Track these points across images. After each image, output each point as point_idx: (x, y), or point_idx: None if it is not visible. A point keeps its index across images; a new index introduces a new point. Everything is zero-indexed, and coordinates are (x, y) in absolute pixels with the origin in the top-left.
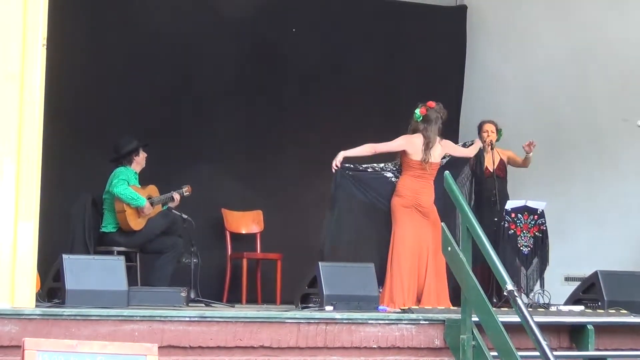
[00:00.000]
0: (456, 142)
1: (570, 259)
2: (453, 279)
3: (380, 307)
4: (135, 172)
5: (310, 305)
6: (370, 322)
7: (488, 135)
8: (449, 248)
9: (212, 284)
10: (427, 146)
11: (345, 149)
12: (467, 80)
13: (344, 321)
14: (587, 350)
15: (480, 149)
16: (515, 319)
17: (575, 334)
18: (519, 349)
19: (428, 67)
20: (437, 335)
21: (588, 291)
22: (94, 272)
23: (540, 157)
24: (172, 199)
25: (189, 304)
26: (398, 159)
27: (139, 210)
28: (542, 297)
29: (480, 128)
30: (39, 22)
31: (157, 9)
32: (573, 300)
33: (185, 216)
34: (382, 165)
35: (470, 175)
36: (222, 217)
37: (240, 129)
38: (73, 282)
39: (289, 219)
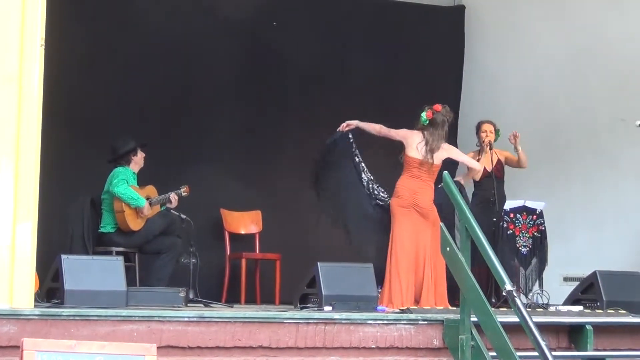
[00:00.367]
0: (455, 142)
1: (568, 259)
2: (450, 279)
3: (379, 308)
4: (134, 172)
5: (309, 305)
6: (369, 322)
7: (487, 136)
8: (448, 248)
9: (211, 284)
10: (430, 148)
11: None
12: (466, 80)
13: (343, 321)
14: (586, 350)
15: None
16: (514, 319)
17: (574, 334)
18: (517, 349)
19: (426, 67)
20: (435, 336)
21: (587, 291)
22: (93, 272)
23: (539, 158)
24: (170, 200)
25: (188, 304)
26: (401, 157)
27: (138, 211)
28: (541, 297)
29: (478, 128)
30: (37, 22)
31: (156, 9)
32: (572, 300)
33: (184, 216)
34: (372, 183)
35: None
36: (220, 217)
37: (239, 129)
38: (72, 283)
39: (287, 219)
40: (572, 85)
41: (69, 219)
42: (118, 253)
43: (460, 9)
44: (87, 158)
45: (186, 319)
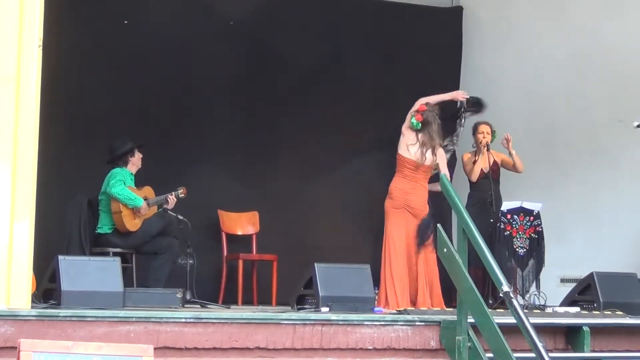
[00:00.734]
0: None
1: (566, 260)
2: (447, 280)
3: (376, 309)
4: (131, 173)
5: (306, 306)
6: (365, 323)
7: (484, 137)
8: (445, 249)
9: (208, 285)
10: (427, 148)
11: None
12: (463, 81)
13: (340, 322)
14: (583, 351)
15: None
16: (511, 320)
17: (571, 336)
18: (514, 351)
19: (424, 68)
20: (432, 337)
21: (584, 292)
22: (90, 273)
23: (537, 158)
24: (167, 201)
25: (185, 305)
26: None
27: (135, 211)
28: (538, 298)
29: (475, 129)
30: (35, 22)
31: (154, 9)
32: (569, 301)
33: (181, 217)
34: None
35: None
36: (217, 218)
37: (236, 130)
38: (69, 283)
39: (284, 220)
40: (571, 85)
41: (66, 219)
42: (115, 254)
43: (458, 10)
44: (84, 159)
45: (183, 320)
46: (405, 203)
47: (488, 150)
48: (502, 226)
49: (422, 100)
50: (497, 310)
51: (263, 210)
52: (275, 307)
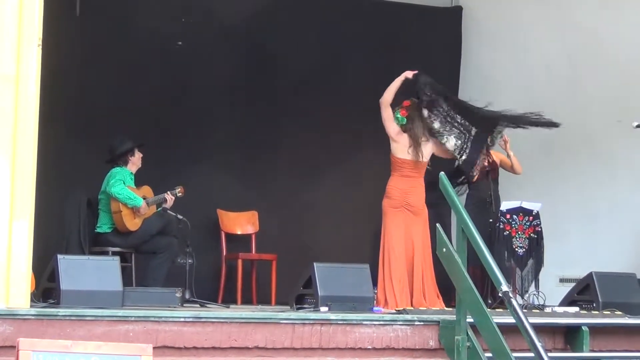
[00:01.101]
0: None
1: (565, 260)
2: (446, 280)
3: (375, 308)
4: (131, 173)
5: (305, 306)
6: (365, 323)
7: None
8: (444, 249)
9: (207, 285)
10: (418, 143)
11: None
12: (462, 81)
13: (339, 322)
14: (582, 351)
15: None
16: (510, 320)
17: (570, 335)
18: (513, 350)
19: (423, 67)
20: (431, 336)
21: (583, 292)
22: (89, 272)
23: (535, 158)
24: (165, 200)
25: (184, 305)
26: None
27: (134, 211)
28: (537, 298)
29: None
30: (34, 22)
31: (153, 10)
32: (568, 301)
33: (180, 217)
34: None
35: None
36: (217, 218)
37: (235, 130)
38: (68, 283)
39: (284, 219)
40: (568, 86)
41: (66, 219)
42: (114, 253)
43: (458, 10)
44: (84, 158)
45: (182, 320)
46: (404, 202)
47: (488, 150)
48: (501, 226)
49: (386, 98)
50: (496, 310)
51: (262, 209)
52: (275, 306)
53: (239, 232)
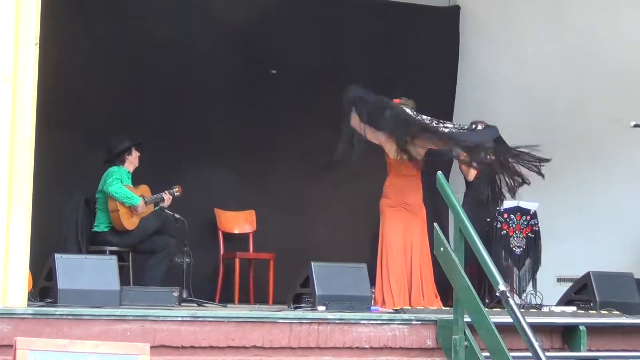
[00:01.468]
0: None
1: (562, 260)
2: (444, 279)
3: (373, 308)
4: (129, 172)
5: (302, 305)
6: (362, 322)
7: None
8: (442, 248)
9: (205, 284)
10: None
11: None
12: (460, 80)
13: (336, 321)
14: (579, 351)
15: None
16: (508, 319)
17: (567, 335)
18: (511, 350)
19: (421, 67)
20: (429, 336)
21: (580, 292)
22: (86, 271)
23: None
24: (163, 199)
25: (181, 304)
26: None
27: (132, 210)
28: (535, 297)
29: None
30: (31, 21)
31: (154, 9)
32: (565, 301)
33: (177, 216)
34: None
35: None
36: (214, 217)
37: (233, 129)
38: (65, 282)
39: (281, 218)
40: (566, 85)
41: (63, 217)
42: (112, 252)
43: (455, 10)
44: (81, 157)
45: (179, 319)
46: (402, 201)
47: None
48: (498, 225)
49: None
50: (494, 309)
51: (260, 209)
52: (272, 305)
53: (236, 231)
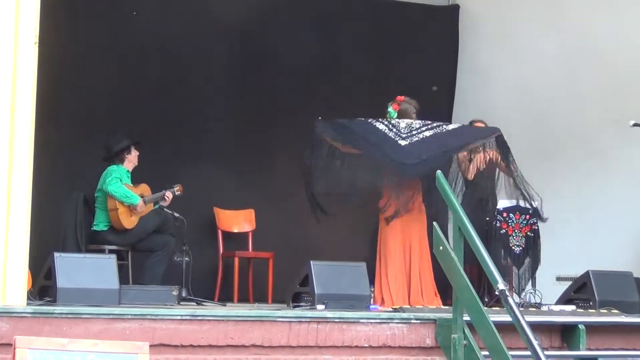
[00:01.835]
0: None
1: (562, 259)
2: (443, 278)
3: (372, 306)
4: (128, 171)
5: (301, 304)
6: (361, 321)
7: None
8: (441, 247)
9: (204, 283)
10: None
11: None
12: (459, 79)
13: (336, 320)
14: (579, 350)
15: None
16: (507, 318)
17: (566, 334)
18: (510, 349)
19: (420, 66)
20: (428, 335)
21: (579, 291)
22: (86, 270)
23: (531, 157)
24: (164, 197)
25: (181, 303)
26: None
27: (131, 209)
28: (534, 296)
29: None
30: (31, 20)
31: (152, 8)
32: (564, 299)
33: (177, 215)
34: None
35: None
36: (214, 216)
37: (232, 128)
38: (64, 281)
39: (281, 217)
40: (564, 84)
41: (62, 216)
42: (111, 251)
43: (455, 9)
44: (81, 156)
45: (179, 318)
46: (401, 200)
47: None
48: (498, 224)
49: None
50: (493, 308)
51: (259, 207)
52: (271, 304)
53: (235, 230)
